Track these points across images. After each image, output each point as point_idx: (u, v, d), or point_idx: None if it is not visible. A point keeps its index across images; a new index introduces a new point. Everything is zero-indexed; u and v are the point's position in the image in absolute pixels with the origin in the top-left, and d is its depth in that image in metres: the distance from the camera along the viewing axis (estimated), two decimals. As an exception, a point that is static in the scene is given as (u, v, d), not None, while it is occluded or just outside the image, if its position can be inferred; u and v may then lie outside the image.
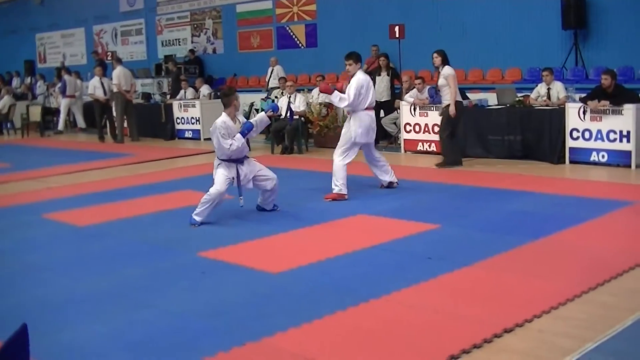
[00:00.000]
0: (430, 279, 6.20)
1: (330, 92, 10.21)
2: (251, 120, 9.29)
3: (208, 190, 8.82)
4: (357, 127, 10.06)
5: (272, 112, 9.52)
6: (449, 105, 12.18)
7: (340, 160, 10.06)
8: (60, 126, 22.90)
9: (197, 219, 8.82)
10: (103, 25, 29.20)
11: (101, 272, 6.91)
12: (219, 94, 11.88)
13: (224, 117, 9.02)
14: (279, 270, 6.65)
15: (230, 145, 8.81)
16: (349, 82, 10.20)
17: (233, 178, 8.99)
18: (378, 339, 4.92)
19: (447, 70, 12.15)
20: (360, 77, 10.08)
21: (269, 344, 4.88)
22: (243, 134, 8.91)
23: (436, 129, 14.06)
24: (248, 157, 9.24)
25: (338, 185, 9.97)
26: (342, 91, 10.11)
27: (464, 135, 13.30)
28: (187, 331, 5.21)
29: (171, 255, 7.40)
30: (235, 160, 9.02)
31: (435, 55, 12.32)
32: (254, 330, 5.11)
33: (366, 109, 10.15)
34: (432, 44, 18.27)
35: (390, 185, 10.57)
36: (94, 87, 19.71)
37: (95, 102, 19.87)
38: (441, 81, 12.22)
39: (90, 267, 7.14)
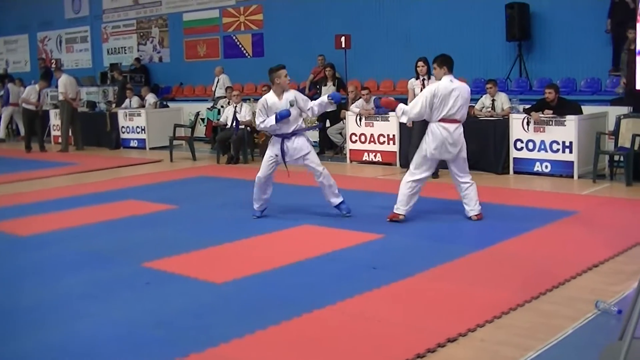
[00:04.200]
0: (375, 289, 6.21)
1: (393, 106, 9.14)
2: (318, 101, 9.39)
3: None
4: (430, 141, 8.82)
5: (332, 101, 9.46)
6: None
7: (407, 175, 9.03)
8: (1, 134, 22.57)
9: (255, 207, 9.47)
10: (47, 32, 28.86)
11: (43, 283, 6.81)
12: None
13: (269, 94, 9.29)
14: (223, 281, 6.61)
15: (262, 122, 9.13)
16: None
17: (277, 155, 9.21)
18: (322, 349, 4.92)
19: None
20: (438, 85, 8.81)
21: (213, 355, 4.85)
22: (276, 119, 9.03)
23: (382, 139, 14.15)
24: (302, 136, 9.33)
25: (397, 203, 8.97)
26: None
27: (408, 147, 13.36)
28: (131, 342, 5.15)
29: (115, 266, 7.31)
30: (281, 135, 9.18)
31: (422, 63, 12.46)
32: (198, 340, 5.08)
33: (441, 120, 8.76)
34: (377, 54, 18.48)
35: (469, 218, 9.07)
36: (29, 94, 19.45)
37: (24, 111, 19.63)
38: None
39: (32, 278, 7.03)
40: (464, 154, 8.97)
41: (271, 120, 9.05)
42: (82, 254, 7.89)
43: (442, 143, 8.75)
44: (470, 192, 8.97)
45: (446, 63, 8.92)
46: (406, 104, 9.30)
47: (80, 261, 7.58)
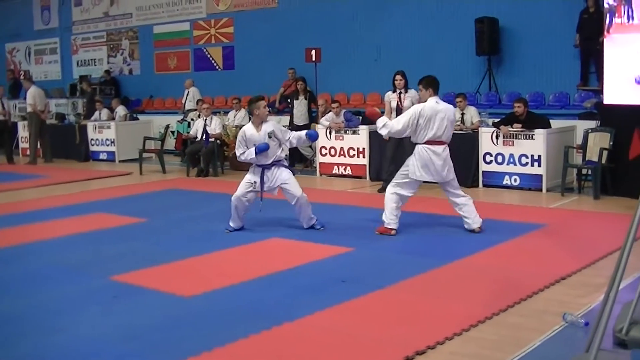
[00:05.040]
0: (344, 302, 6.22)
1: (375, 118, 9.11)
2: (297, 135, 9.56)
3: None
4: (415, 161, 8.86)
5: (309, 139, 9.75)
6: None
7: (391, 187, 9.07)
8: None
9: (231, 224, 9.43)
10: (16, 43, 28.63)
11: (10, 297, 6.75)
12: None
13: (248, 126, 9.43)
14: (192, 294, 6.59)
15: (242, 154, 9.23)
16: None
17: (255, 182, 9.23)
18: (291, 363, 4.92)
19: (414, 92, 12.19)
20: (424, 106, 8.83)
21: (182, 369, 4.84)
22: (256, 152, 9.10)
23: (352, 152, 14.19)
24: (282, 166, 9.39)
25: (385, 218, 9.02)
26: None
27: (381, 159, 13.42)
28: (99, 356, 5.12)
29: (83, 279, 7.26)
30: (261, 165, 9.23)
31: (400, 77, 12.34)
32: (167, 354, 5.06)
33: (427, 142, 8.80)
34: (348, 67, 18.54)
35: (472, 231, 9.07)
36: None
37: None
38: (408, 103, 12.08)
39: (-2, 292, 6.97)
40: (453, 173, 9.03)
41: (251, 153, 9.12)
42: (50, 267, 7.83)
43: (430, 165, 8.79)
44: (470, 206, 9.04)
45: (432, 85, 8.99)
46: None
47: (48, 275, 7.51)
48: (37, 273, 7.59)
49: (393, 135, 9.49)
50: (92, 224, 10.19)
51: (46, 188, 14.40)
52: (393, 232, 8.92)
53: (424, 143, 8.80)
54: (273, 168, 9.27)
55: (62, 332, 5.66)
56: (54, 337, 5.57)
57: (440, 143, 8.84)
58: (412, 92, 12.29)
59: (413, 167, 8.85)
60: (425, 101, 8.93)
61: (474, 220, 8.99)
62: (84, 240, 9.17)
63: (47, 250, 8.71)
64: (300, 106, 16.56)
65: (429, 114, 8.75)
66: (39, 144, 19.17)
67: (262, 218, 9.95)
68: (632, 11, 11.07)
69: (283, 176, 9.28)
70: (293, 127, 16.51)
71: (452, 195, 9.07)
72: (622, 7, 11.28)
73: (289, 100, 17.72)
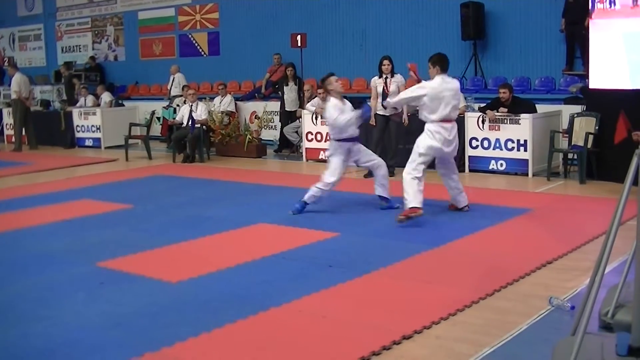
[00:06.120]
0: (331, 287, 6.23)
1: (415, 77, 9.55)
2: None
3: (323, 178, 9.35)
4: (424, 137, 8.87)
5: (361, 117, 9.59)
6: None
7: (407, 175, 8.81)
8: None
9: (307, 201, 9.44)
10: (0, 29, 28.47)
11: (-5, 284, 6.73)
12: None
13: (333, 101, 9.44)
14: (178, 280, 6.58)
15: (343, 117, 9.22)
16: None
17: (344, 161, 9.46)
18: (278, 347, 4.91)
19: (400, 77, 12.22)
20: (426, 85, 8.95)
21: (169, 354, 4.82)
22: (361, 113, 9.31)
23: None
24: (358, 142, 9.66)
25: (410, 199, 8.68)
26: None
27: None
28: (85, 343, 5.10)
29: (69, 266, 7.23)
30: (348, 139, 9.38)
31: (387, 62, 12.34)
32: (153, 340, 5.04)
33: (439, 120, 8.81)
34: (333, 53, 18.50)
35: (460, 209, 9.36)
36: None
37: None
38: (394, 88, 12.12)
39: (-17, 279, 6.94)
40: (455, 153, 9.23)
41: (355, 114, 9.28)
42: (35, 254, 7.79)
43: (440, 142, 8.80)
44: (460, 186, 9.32)
45: (438, 62, 9.01)
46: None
47: (33, 262, 7.48)
48: (22, 260, 7.57)
49: (392, 105, 9.86)
50: (78, 210, 10.16)
51: (31, 175, 14.34)
52: (420, 211, 8.65)
53: (437, 121, 8.81)
54: (356, 143, 9.59)
55: (47, 320, 5.63)
56: (39, 324, 5.54)
57: (449, 121, 8.88)
58: (398, 77, 12.31)
59: (423, 141, 8.84)
60: (433, 79, 8.96)
61: (465, 199, 9.29)
62: (70, 227, 9.14)
63: (32, 237, 8.67)
64: (291, 92, 16.52)
65: (431, 94, 8.77)
66: (23, 131, 19.08)
67: (247, 203, 9.94)
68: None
69: (361, 149, 9.69)
70: (284, 112, 16.52)
71: (448, 176, 9.24)
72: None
73: (276, 85, 17.68)
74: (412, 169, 8.82)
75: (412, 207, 8.60)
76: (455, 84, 9.10)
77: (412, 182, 8.72)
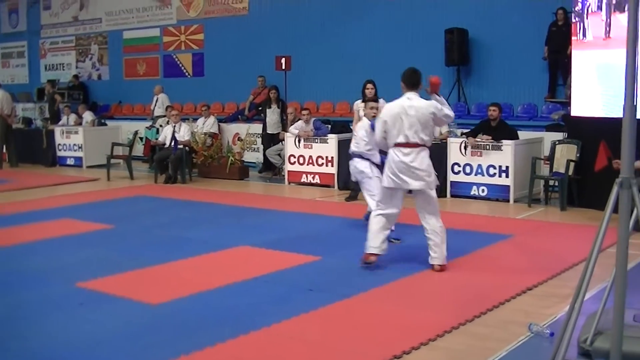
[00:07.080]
0: (311, 311, 6.22)
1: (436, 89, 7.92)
2: None
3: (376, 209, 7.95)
4: (386, 169, 7.77)
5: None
6: None
7: (375, 209, 7.95)
8: None
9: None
10: (-18, 46, 28.42)
11: (-27, 303, 6.68)
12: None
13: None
14: (158, 302, 6.55)
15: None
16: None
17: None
18: (257, 371, 4.90)
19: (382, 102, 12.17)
20: (385, 107, 7.99)
21: (147, 377, 4.81)
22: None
23: (320, 161, 14.19)
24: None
25: (367, 238, 7.79)
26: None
27: (349, 169, 13.41)
28: (62, 364, 5.07)
29: (48, 286, 7.19)
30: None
31: (371, 86, 12.04)
32: (132, 362, 5.03)
33: (396, 145, 7.62)
34: (317, 76, 18.55)
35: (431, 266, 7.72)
36: None
37: None
38: None
39: (-39, 298, 6.88)
40: (433, 192, 7.79)
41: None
42: (12, 274, 7.74)
43: (396, 170, 7.58)
44: (436, 238, 7.66)
45: (403, 79, 7.88)
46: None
47: (11, 281, 7.43)
48: (0, 280, 7.51)
49: (378, 147, 8.57)
50: (58, 230, 10.11)
51: (11, 193, 14.25)
52: (373, 257, 7.70)
53: (394, 146, 7.65)
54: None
55: (26, 340, 5.59)
56: (17, 344, 5.51)
57: (408, 145, 7.58)
58: (381, 102, 12.32)
59: (384, 175, 7.77)
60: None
61: (436, 255, 7.65)
62: (49, 247, 9.08)
63: (10, 256, 8.61)
64: (273, 114, 16.53)
65: (390, 114, 7.67)
66: (4, 149, 18.97)
67: (229, 225, 9.92)
68: (585, 29, 11.32)
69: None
70: (266, 135, 16.52)
71: (421, 216, 7.83)
72: (578, 24, 11.57)
73: (259, 108, 17.69)
74: (376, 204, 8.05)
75: (365, 253, 7.78)
76: (424, 104, 7.65)
77: (374, 220, 7.81)
